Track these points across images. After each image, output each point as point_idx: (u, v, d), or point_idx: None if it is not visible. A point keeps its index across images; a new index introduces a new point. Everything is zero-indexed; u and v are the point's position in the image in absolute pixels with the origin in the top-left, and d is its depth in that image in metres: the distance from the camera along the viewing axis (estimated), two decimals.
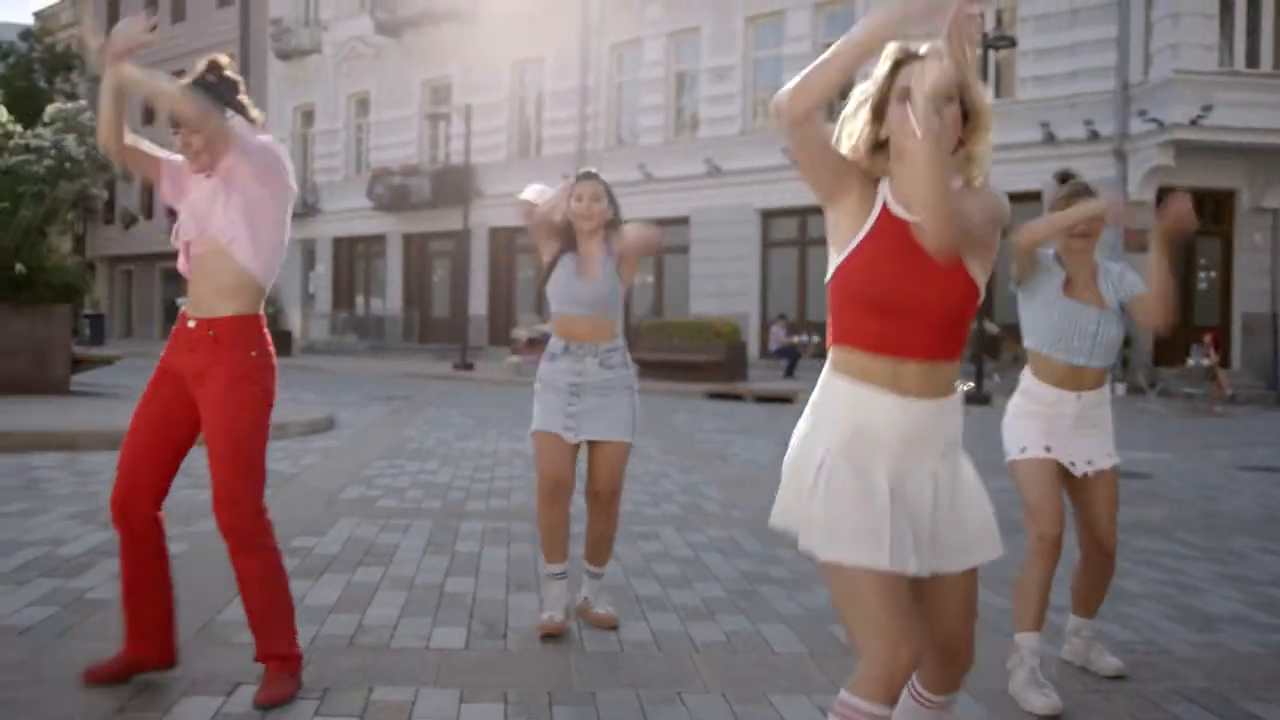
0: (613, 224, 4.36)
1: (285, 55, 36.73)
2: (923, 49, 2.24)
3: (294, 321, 35.67)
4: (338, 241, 36.03)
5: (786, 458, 2.41)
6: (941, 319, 2.30)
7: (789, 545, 2.57)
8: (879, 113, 2.32)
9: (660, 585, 5.07)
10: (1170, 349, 20.85)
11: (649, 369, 21.57)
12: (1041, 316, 3.87)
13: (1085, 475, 3.84)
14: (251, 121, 3.47)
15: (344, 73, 35.33)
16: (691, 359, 21.14)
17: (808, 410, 2.42)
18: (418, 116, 33.13)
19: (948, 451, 2.37)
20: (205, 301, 3.39)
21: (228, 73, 3.49)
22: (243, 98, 3.48)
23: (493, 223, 30.27)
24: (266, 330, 3.47)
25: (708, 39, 27.01)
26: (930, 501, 2.32)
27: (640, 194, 27.58)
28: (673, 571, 5.36)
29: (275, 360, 3.50)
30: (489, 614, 4.49)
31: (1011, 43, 19.68)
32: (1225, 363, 19.94)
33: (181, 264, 3.45)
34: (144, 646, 3.46)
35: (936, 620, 2.38)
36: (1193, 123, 19.36)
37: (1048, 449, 3.80)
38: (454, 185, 29.87)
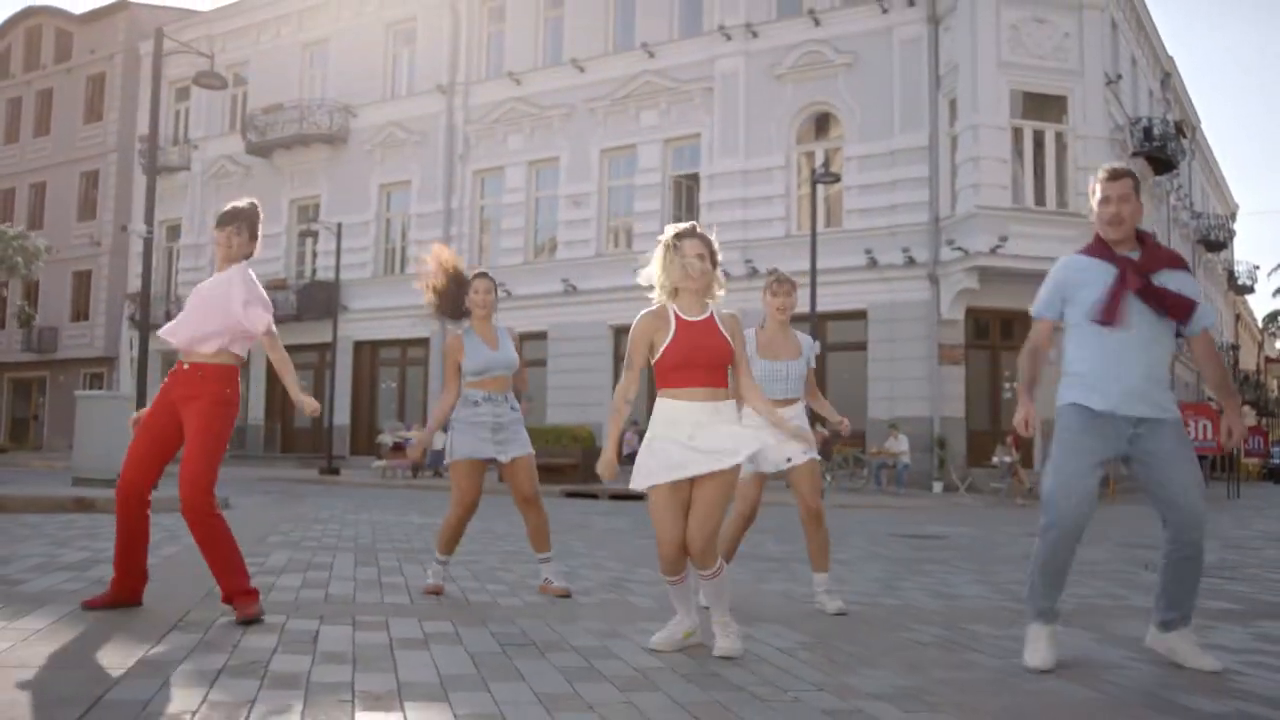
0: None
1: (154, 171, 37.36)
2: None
3: None
4: None
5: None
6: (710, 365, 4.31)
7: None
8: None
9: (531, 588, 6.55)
10: (981, 451, 23.28)
11: None
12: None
13: (791, 466, 5.66)
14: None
15: (212, 189, 36.17)
16: (550, 462, 22.60)
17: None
18: (285, 233, 34.21)
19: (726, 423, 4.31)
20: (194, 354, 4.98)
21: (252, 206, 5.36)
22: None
23: (357, 336, 31.54)
24: (238, 376, 5.08)
25: (566, 168, 29.16)
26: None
27: (501, 311, 28.97)
28: None
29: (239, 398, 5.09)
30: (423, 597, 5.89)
31: (836, 178, 22.22)
32: (1027, 462, 22.34)
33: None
34: (125, 585, 4.84)
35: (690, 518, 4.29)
36: (992, 251, 22.12)
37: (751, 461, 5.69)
38: (320, 299, 31.00)
